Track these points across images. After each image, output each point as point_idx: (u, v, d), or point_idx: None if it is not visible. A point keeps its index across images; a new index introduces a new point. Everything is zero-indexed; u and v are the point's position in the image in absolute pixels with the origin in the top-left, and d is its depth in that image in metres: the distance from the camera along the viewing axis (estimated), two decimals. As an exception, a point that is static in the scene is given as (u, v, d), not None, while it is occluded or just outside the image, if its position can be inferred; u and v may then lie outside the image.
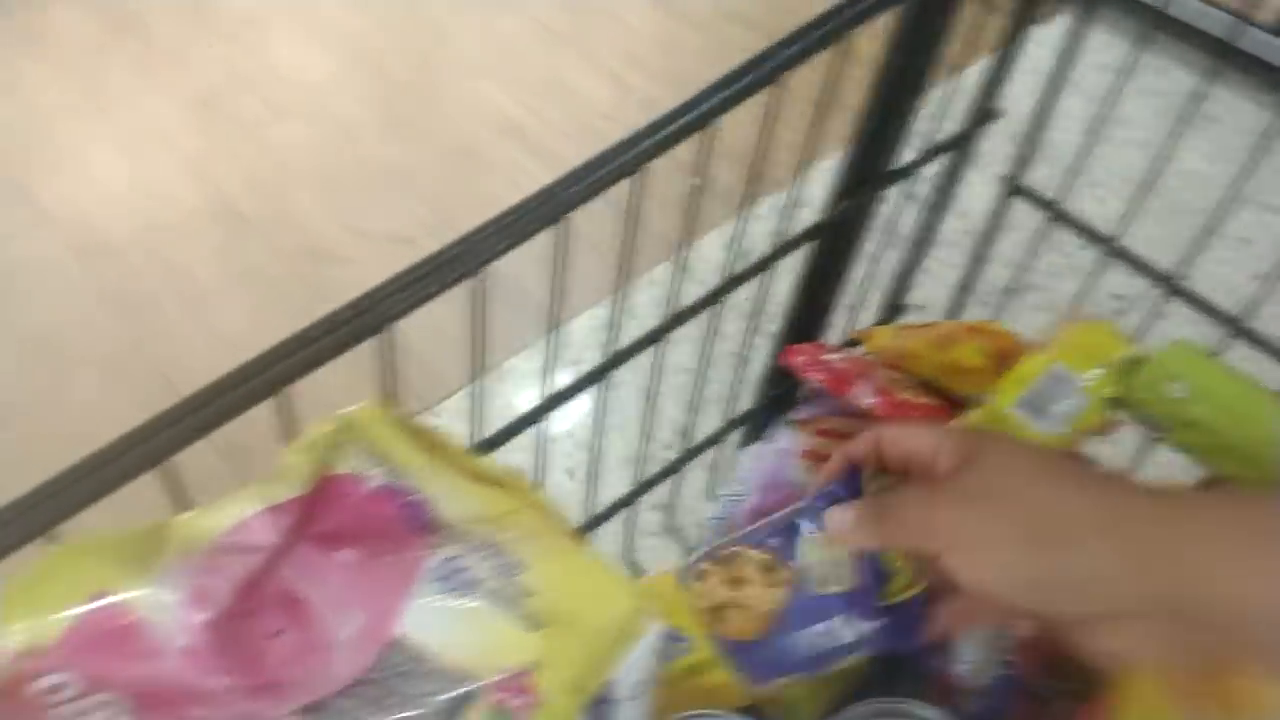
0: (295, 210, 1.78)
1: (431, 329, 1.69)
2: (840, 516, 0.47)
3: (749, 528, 0.55)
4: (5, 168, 1.83)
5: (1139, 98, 2.18)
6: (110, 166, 1.85)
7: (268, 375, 0.38)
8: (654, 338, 0.55)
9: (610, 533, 0.74)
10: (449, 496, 0.40)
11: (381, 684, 0.35)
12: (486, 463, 0.42)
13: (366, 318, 0.39)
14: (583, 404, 1.69)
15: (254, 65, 2.04)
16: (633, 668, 0.41)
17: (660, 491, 0.72)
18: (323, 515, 0.39)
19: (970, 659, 0.56)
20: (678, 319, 0.55)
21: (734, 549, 0.54)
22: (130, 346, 1.63)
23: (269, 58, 2.06)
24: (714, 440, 0.71)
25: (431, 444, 0.42)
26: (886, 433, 0.48)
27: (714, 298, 0.57)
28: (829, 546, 0.51)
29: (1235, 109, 2.07)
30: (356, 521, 0.39)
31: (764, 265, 0.59)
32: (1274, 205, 1.82)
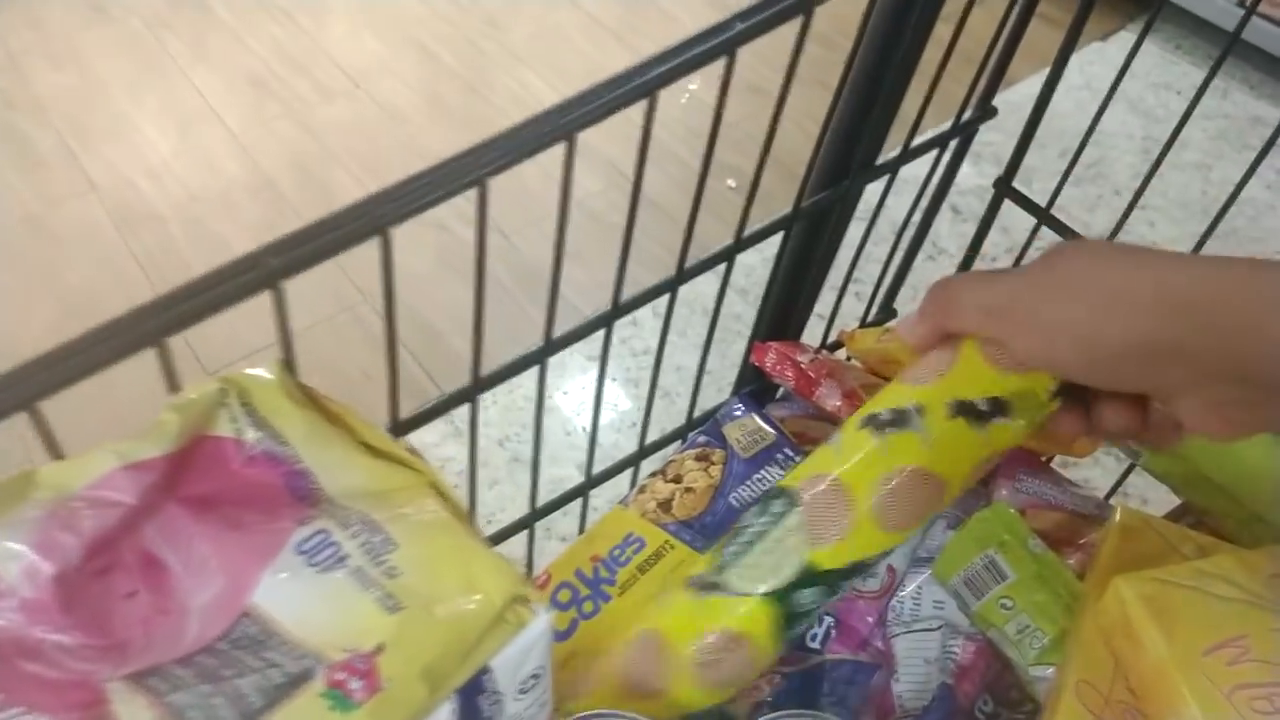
0: (333, 189, 1.79)
1: (460, 316, 1.69)
2: (908, 320, 0.47)
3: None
4: (60, 134, 1.88)
5: (1199, 119, 2.09)
6: (158, 138, 1.88)
7: (150, 326, 0.36)
8: (598, 325, 0.53)
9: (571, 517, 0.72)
10: (335, 469, 0.39)
11: (224, 654, 0.34)
12: (385, 439, 0.41)
13: (256, 273, 0.37)
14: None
15: (307, 46, 2.07)
16: (516, 660, 0.39)
17: (621, 484, 0.69)
18: (195, 477, 0.37)
19: (911, 679, 0.53)
20: (619, 309, 0.53)
21: (669, 461, 0.62)
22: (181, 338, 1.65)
23: (322, 40, 2.08)
24: (677, 435, 0.68)
25: (328, 414, 0.41)
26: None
27: (665, 289, 0.55)
28: (744, 424, 0.62)
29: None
30: (232, 487, 0.38)
31: (725, 255, 0.56)
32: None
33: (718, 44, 0.43)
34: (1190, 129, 2.08)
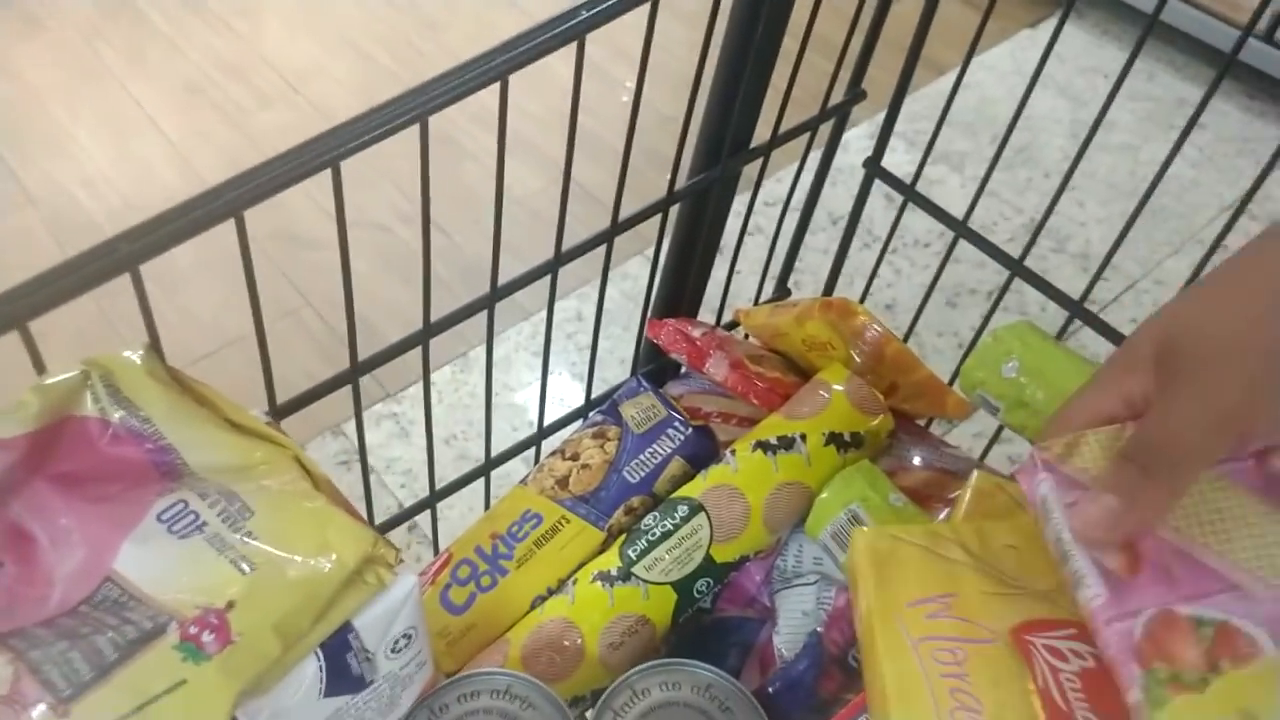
0: (274, 196, 1.80)
1: (400, 316, 1.69)
2: (1089, 518, 0.42)
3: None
4: (-6, 147, 1.87)
5: (1126, 101, 2.15)
6: (95, 148, 1.88)
7: (10, 310, 0.38)
8: (477, 308, 0.55)
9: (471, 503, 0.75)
10: (197, 445, 0.41)
11: (84, 615, 0.36)
12: (249, 417, 0.43)
13: (115, 257, 0.39)
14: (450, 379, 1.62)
15: (243, 52, 2.07)
16: (383, 620, 0.42)
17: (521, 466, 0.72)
18: (61, 455, 0.39)
19: (789, 631, 0.56)
20: (498, 292, 0.55)
21: (568, 440, 0.65)
22: (104, 324, 1.65)
23: (259, 45, 2.09)
24: (577, 415, 0.71)
25: (195, 395, 0.43)
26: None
27: (538, 274, 0.57)
28: (640, 401, 0.64)
29: (1223, 114, 2.03)
30: (98, 463, 0.40)
31: (603, 239, 0.59)
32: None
33: (566, 30, 0.46)
34: (1118, 111, 2.13)
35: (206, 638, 0.35)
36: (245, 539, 0.38)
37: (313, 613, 0.38)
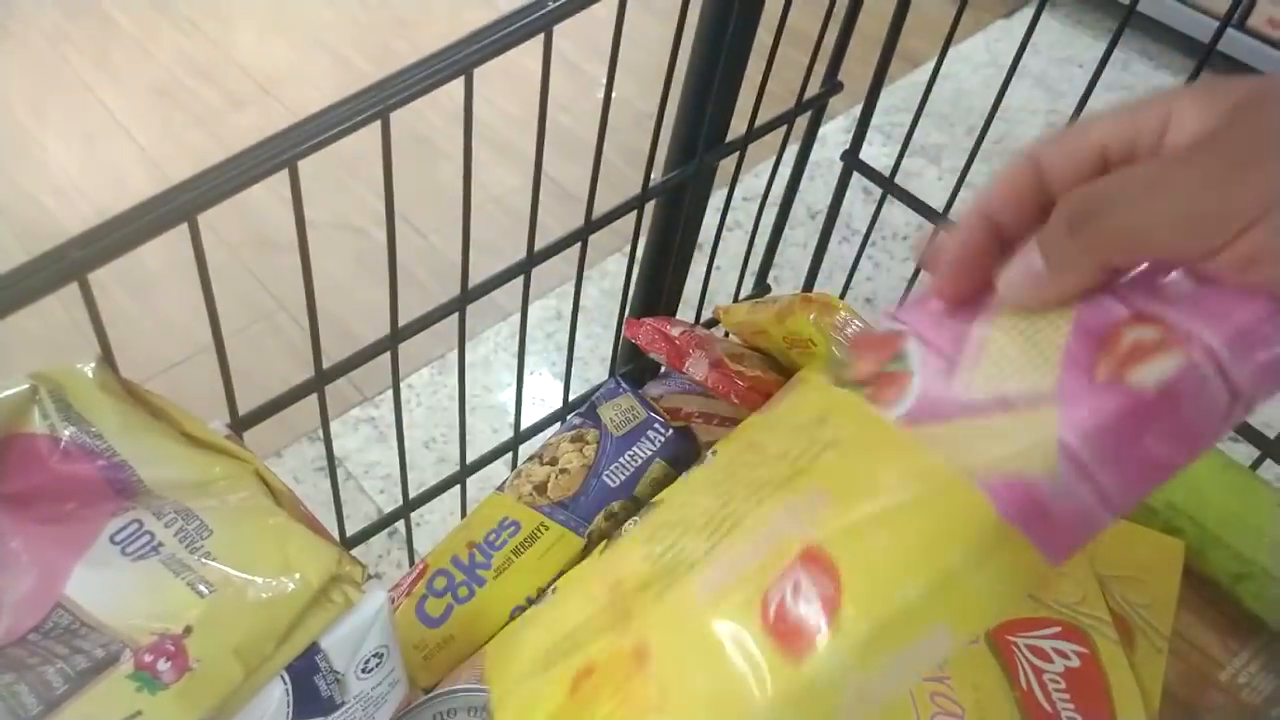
0: (245, 199, 1.75)
1: (376, 319, 1.68)
2: (1010, 278, 0.32)
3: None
4: (-41, 155, 1.84)
5: (1101, 91, 2.15)
6: (64, 155, 1.85)
7: (-48, 328, 0.36)
8: (447, 310, 0.53)
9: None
10: (153, 461, 0.39)
11: (33, 645, 0.34)
12: (207, 430, 0.41)
13: (63, 265, 0.37)
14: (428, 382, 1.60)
15: (214, 55, 2.04)
16: (352, 640, 0.40)
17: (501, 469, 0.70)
18: (9, 475, 0.37)
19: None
20: (469, 295, 0.53)
21: (546, 444, 0.64)
22: (76, 332, 1.62)
23: (229, 47, 2.06)
24: (555, 419, 0.69)
25: (151, 407, 0.41)
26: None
27: (511, 274, 0.55)
28: (619, 403, 0.63)
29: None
30: (48, 482, 0.38)
31: (577, 237, 0.57)
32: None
33: (533, 21, 0.44)
34: (1094, 101, 2.13)
35: (162, 665, 0.33)
36: (203, 560, 0.36)
37: (276, 635, 0.36)
